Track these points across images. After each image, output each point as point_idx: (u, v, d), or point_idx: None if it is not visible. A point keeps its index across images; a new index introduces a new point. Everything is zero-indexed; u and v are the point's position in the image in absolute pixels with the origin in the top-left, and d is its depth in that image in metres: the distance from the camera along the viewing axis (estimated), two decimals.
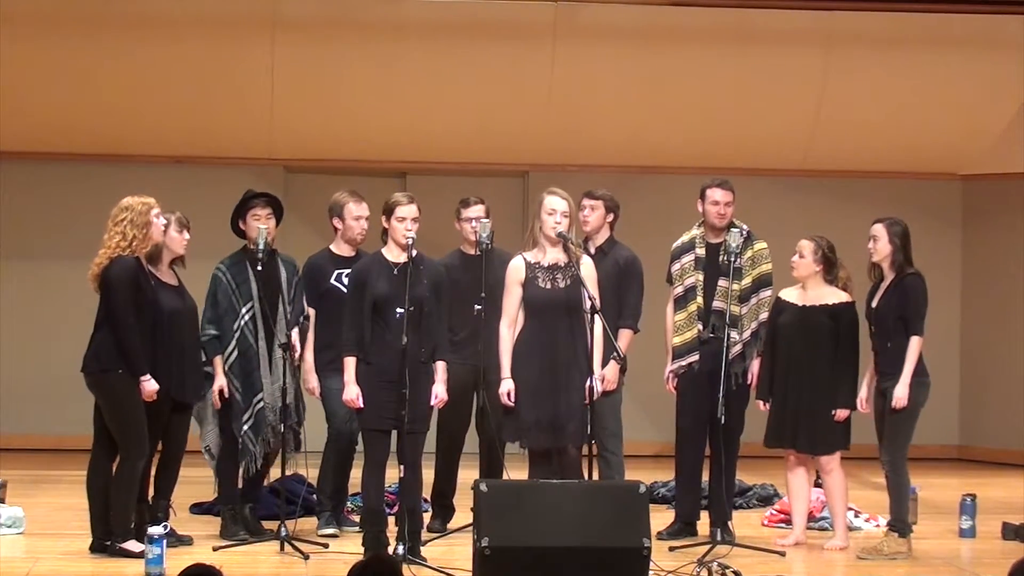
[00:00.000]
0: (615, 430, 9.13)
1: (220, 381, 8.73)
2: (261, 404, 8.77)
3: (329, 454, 9.14)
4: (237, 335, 8.77)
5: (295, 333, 8.78)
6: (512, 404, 8.28)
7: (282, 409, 8.56)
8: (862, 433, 8.95)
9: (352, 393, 8.06)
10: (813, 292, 8.89)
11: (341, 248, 9.24)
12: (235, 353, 8.77)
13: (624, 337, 9.02)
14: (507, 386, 8.31)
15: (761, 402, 8.94)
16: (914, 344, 8.64)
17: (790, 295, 8.95)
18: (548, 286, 8.33)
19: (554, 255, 8.35)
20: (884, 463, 8.74)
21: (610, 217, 9.28)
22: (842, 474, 8.93)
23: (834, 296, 8.87)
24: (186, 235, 8.64)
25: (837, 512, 9.00)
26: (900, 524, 8.72)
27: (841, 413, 8.78)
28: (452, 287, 8.54)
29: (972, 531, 9.52)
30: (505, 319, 8.40)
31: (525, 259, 8.39)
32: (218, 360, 8.75)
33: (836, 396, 8.78)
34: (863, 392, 8.83)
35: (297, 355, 8.79)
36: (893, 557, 8.61)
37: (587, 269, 8.35)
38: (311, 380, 9.04)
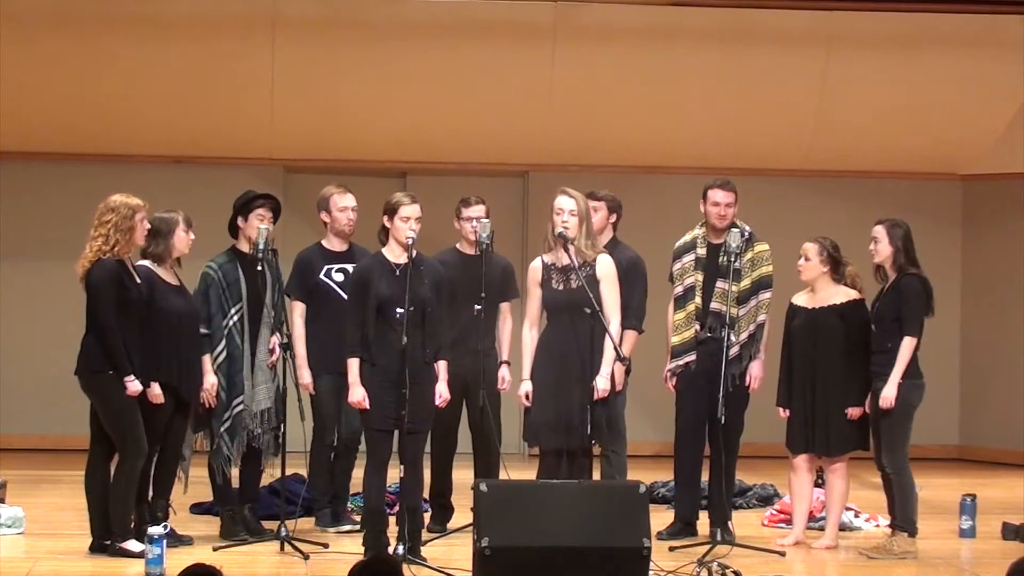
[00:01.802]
0: (619, 430, 9.13)
1: (211, 379, 8.67)
2: (241, 407, 8.74)
3: (315, 453, 9.13)
4: (225, 335, 8.75)
5: (276, 337, 8.73)
6: (529, 405, 8.31)
7: (268, 411, 8.71)
8: None
9: (358, 395, 8.01)
10: (822, 293, 8.86)
11: (332, 243, 9.24)
12: (223, 353, 8.73)
13: (628, 338, 8.98)
14: (525, 387, 8.33)
15: (781, 409, 8.92)
16: (906, 345, 8.62)
17: (800, 299, 8.93)
18: (561, 287, 8.35)
19: (567, 255, 8.35)
20: (885, 466, 8.72)
21: (613, 218, 9.28)
22: (846, 476, 8.92)
23: (842, 295, 8.84)
24: (191, 235, 8.62)
25: (832, 512, 9.00)
26: (909, 524, 8.73)
27: (854, 411, 8.76)
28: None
29: (972, 531, 9.52)
30: (527, 320, 8.45)
31: (543, 260, 8.43)
32: (207, 358, 8.69)
33: (847, 395, 8.77)
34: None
35: (276, 357, 8.75)
36: (904, 556, 8.63)
37: (604, 268, 8.36)
38: (304, 375, 9.03)
